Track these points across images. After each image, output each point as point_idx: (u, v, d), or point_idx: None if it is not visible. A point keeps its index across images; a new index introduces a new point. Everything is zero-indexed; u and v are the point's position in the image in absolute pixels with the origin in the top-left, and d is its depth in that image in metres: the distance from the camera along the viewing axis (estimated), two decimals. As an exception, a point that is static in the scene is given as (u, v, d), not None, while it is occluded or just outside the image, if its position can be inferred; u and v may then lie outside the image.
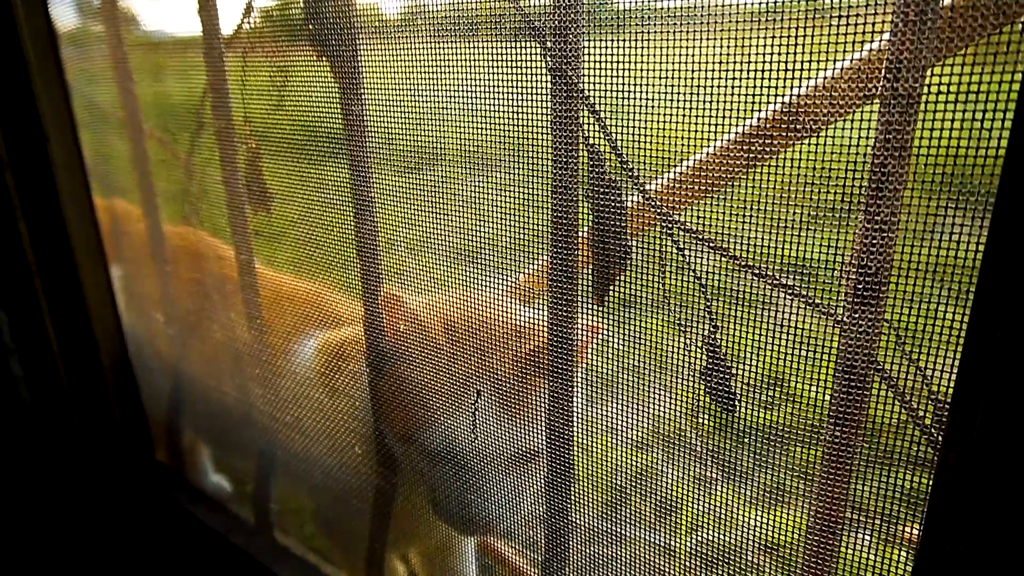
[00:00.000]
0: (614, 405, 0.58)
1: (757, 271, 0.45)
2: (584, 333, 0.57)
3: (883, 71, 0.36)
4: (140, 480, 1.22)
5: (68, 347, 1.13)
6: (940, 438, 0.40)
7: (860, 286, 0.40)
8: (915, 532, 0.41)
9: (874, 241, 0.39)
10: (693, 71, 0.44)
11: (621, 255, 0.50)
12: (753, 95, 0.42)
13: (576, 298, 0.56)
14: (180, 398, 1.15)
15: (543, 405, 0.60)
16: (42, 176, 1.02)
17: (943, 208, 0.38)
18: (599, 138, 0.50)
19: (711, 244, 0.46)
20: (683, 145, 0.46)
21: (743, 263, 0.45)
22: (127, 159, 1.04)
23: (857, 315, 0.41)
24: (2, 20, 0.96)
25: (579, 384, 0.59)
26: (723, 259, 0.46)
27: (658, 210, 0.49)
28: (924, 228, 0.39)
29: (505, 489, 0.67)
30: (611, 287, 0.52)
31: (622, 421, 0.57)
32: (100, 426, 1.20)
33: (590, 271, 0.53)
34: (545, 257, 0.57)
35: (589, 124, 0.51)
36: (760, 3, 0.41)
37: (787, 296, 0.45)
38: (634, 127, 0.48)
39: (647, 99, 0.47)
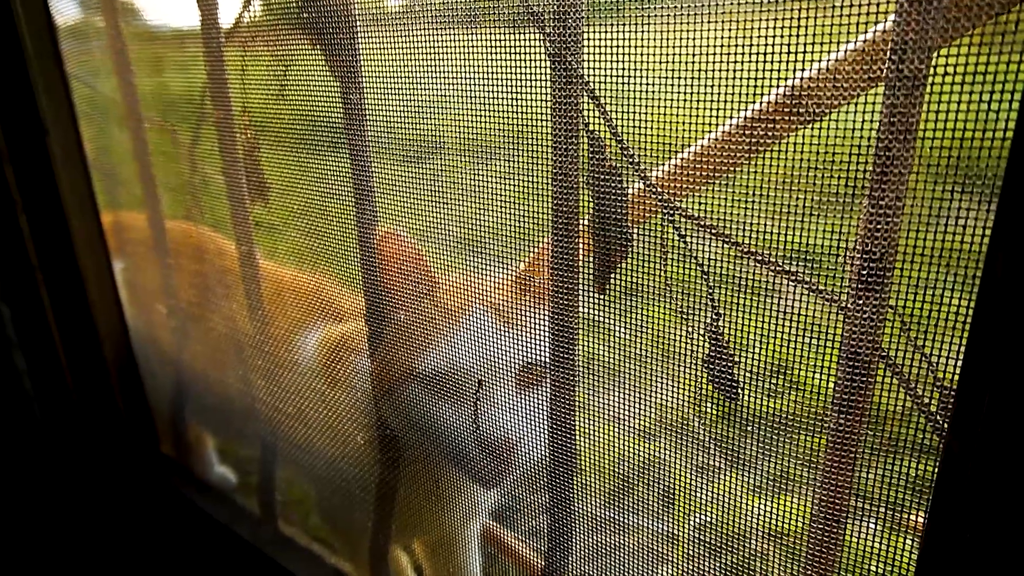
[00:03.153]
0: (617, 393, 0.58)
1: (760, 258, 0.44)
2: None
3: (888, 52, 0.36)
4: (145, 472, 1.23)
5: (71, 340, 1.13)
6: (946, 426, 0.39)
7: (864, 272, 0.39)
8: (920, 520, 0.41)
9: (879, 226, 0.38)
10: (695, 56, 0.43)
11: (622, 242, 0.50)
12: (756, 80, 0.41)
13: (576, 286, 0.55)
14: (184, 390, 1.15)
15: (543, 319, 0.60)
16: (42, 169, 1.01)
17: (949, 193, 0.37)
18: (600, 124, 0.50)
19: (712, 230, 0.45)
20: (685, 132, 0.46)
21: (745, 249, 0.45)
22: (128, 151, 1.04)
23: (861, 301, 0.40)
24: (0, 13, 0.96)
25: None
26: (726, 246, 0.46)
27: (660, 197, 0.48)
28: (930, 213, 0.38)
29: (515, 406, 0.67)
30: (612, 275, 0.52)
31: (625, 409, 0.57)
32: (104, 419, 1.21)
33: (591, 259, 0.53)
34: (546, 243, 0.57)
35: (589, 110, 0.50)
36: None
37: (790, 283, 0.45)
38: (635, 113, 0.48)
39: (648, 84, 0.46)
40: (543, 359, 0.61)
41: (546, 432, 0.63)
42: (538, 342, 0.61)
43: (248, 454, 1.10)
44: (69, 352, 1.13)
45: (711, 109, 0.43)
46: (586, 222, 0.53)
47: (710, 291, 0.47)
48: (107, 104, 1.06)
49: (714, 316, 0.47)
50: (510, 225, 0.58)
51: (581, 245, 0.54)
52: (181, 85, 0.93)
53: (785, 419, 0.49)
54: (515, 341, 0.64)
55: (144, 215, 1.05)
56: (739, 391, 0.47)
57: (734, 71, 0.42)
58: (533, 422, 0.65)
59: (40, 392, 1.15)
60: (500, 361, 0.65)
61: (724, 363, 0.47)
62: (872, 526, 0.48)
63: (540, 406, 0.65)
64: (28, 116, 1.00)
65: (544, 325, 0.59)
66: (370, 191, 0.69)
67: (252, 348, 0.95)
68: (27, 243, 1.01)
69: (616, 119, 0.49)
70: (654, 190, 0.48)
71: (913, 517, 0.44)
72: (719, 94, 0.43)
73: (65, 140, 1.02)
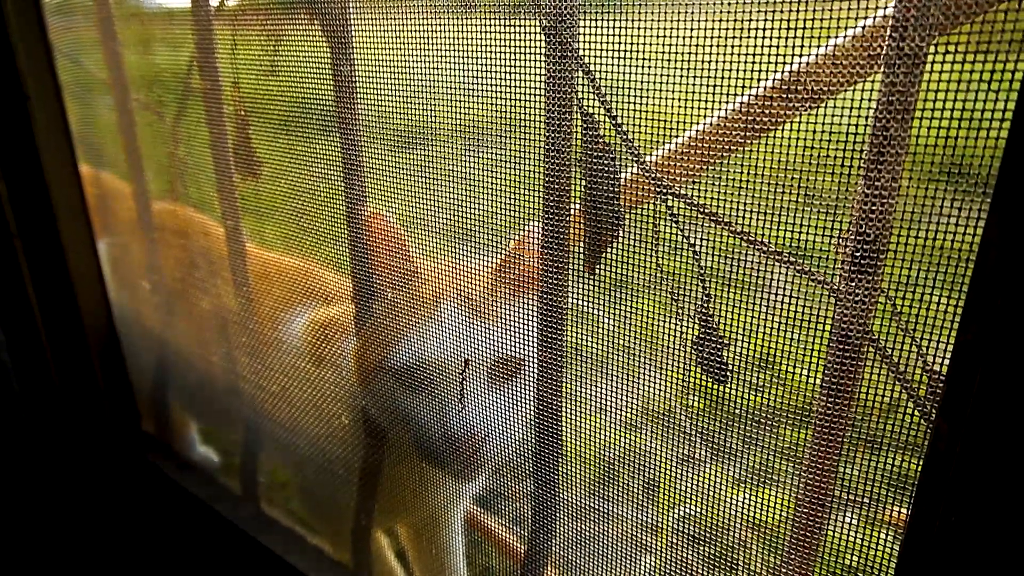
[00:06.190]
0: (603, 380, 0.57)
1: (751, 239, 0.44)
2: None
3: (888, 29, 0.35)
4: (125, 449, 1.21)
5: (51, 311, 1.10)
6: (933, 410, 0.39)
7: (858, 254, 0.39)
8: (903, 513, 0.40)
9: (873, 207, 0.38)
10: (693, 38, 0.42)
11: (614, 222, 0.49)
12: (755, 63, 0.41)
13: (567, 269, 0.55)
14: (167, 369, 1.14)
15: (526, 314, 0.59)
16: (23, 134, 0.98)
17: (945, 176, 0.37)
18: (593, 101, 0.49)
19: (703, 210, 0.45)
20: (682, 115, 0.45)
21: (736, 230, 0.44)
22: (114, 126, 1.02)
23: (853, 284, 0.40)
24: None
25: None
26: (716, 228, 0.45)
27: (652, 177, 0.47)
28: (926, 195, 0.38)
29: (489, 402, 0.66)
30: (602, 256, 0.51)
31: (611, 394, 0.57)
32: (84, 394, 1.19)
33: (582, 239, 0.52)
34: (531, 227, 0.56)
35: (584, 86, 0.49)
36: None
37: (782, 266, 0.44)
38: (631, 91, 0.47)
39: (645, 62, 0.45)
40: (527, 349, 0.60)
41: (529, 423, 0.62)
42: (522, 330, 0.60)
43: (231, 436, 1.09)
44: (49, 323, 1.10)
45: (709, 92, 0.43)
46: (577, 204, 0.52)
47: (701, 271, 0.46)
48: (93, 76, 1.04)
49: (704, 297, 0.46)
50: (498, 209, 0.57)
51: (572, 227, 0.54)
52: (169, 62, 0.91)
53: (774, 389, 0.48)
54: (496, 330, 0.63)
55: (129, 188, 1.03)
56: (728, 374, 0.47)
57: (733, 53, 0.41)
58: (515, 415, 0.64)
59: (19, 364, 1.13)
60: (481, 351, 0.64)
61: (713, 345, 0.46)
62: (855, 514, 0.48)
63: (524, 397, 0.64)
64: (7, 79, 0.97)
65: (529, 312, 0.58)
66: (359, 172, 0.68)
67: (237, 328, 0.94)
68: (5, 210, 0.98)
69: (610, 96, 0.48)
70: (649, 172, 0.48)
71: (898, 510, 0.44)
72: (717, 77, 0.42)
73: (48, 107, 1.00)
